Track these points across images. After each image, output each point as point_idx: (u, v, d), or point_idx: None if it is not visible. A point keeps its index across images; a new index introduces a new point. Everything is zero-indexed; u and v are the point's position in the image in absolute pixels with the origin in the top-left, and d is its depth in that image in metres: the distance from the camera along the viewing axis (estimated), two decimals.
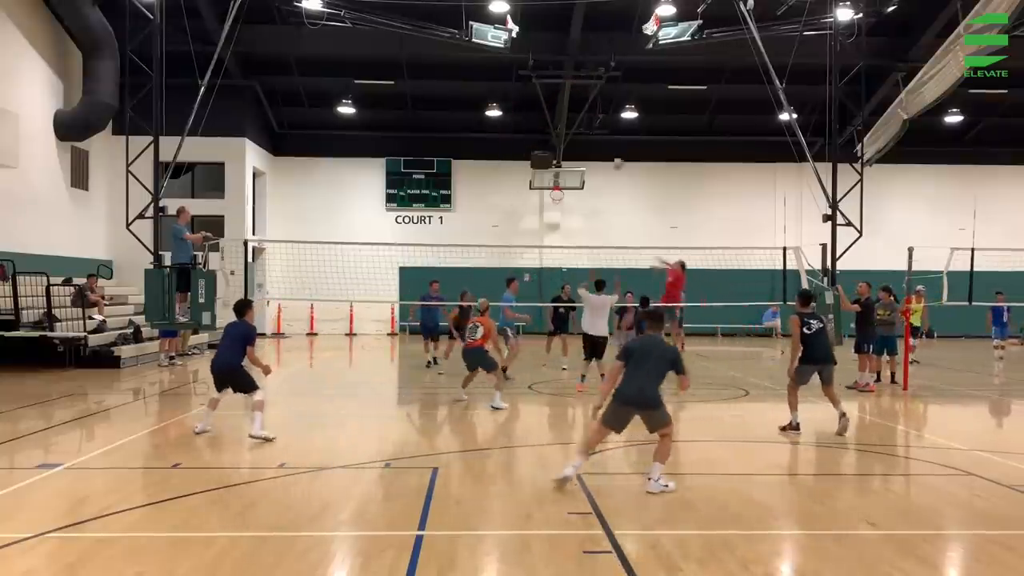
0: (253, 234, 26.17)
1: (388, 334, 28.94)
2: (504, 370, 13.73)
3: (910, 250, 15.30)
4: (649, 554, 5.60)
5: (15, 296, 16.33)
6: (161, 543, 5.79)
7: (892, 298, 15.12)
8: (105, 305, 18.61)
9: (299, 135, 28.98)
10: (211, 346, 20.28)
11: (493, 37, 20.94)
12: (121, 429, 10.36)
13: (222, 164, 25.51)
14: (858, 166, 18.19)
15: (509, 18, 20.84)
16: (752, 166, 29.15)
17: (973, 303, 17.97)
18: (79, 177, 22.40)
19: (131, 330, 18.26)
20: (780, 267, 18.39)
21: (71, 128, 21.31)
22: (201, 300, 15.33)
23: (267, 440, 9.15)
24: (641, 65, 24.85)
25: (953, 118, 27.53)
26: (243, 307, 9.76)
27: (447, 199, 29.42)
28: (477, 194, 29.37)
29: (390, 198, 29.33)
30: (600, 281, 14.17)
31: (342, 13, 20.39)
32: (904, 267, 15.60)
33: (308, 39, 22.56)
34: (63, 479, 7.62)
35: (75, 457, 8.54)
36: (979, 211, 21.66)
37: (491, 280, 16.99)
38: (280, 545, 5.72)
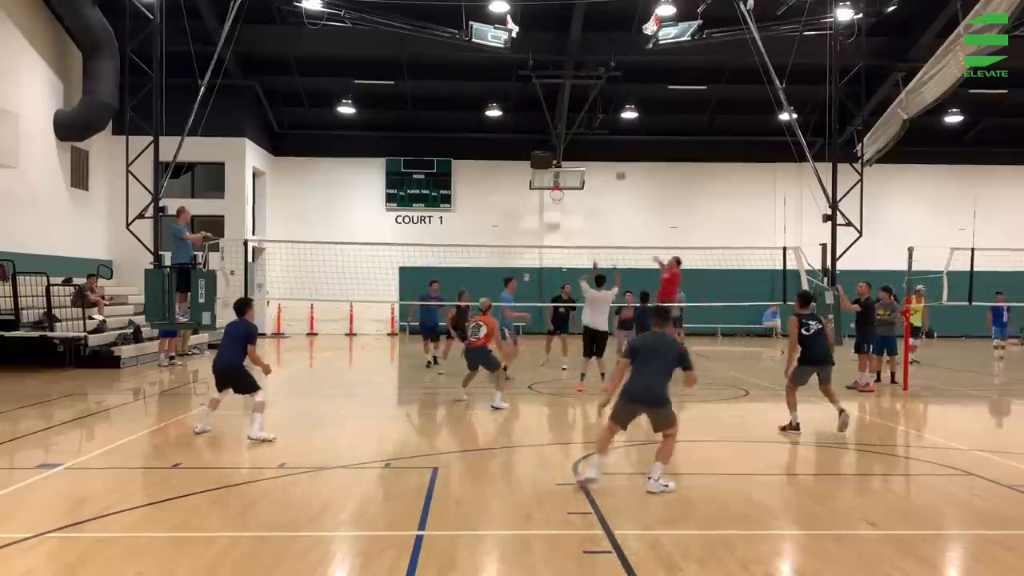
0: (253, 234, 26.18)
1: (388, 334, 28.94)
2: (504, 369, 13.73)
3: (910, 250, 15.30)
4: (649, 554, 5.60)
5: (15, 296, 16.33)
6: (161, 543, 5.79)
7: (892, 298, 15.12)
8: (105, 305, 18.61)
9: (299, 135, 28.98)
10: (211, 346, 20.29)
11: (493, 37, 20.93)
12: (121, 429, 10.36)
13: (222, 164, 25.51)
14: (858, 166, 18.18)
15: (509, 18, 20.84)
16: (752, 166, 29.16)
17: (973, 303, 17.97)
18: (79, 177, 22.40)
19: (131, 330, 18.26)
20: (780, 267, 18.38)
21: (71, 128, 21.31)
22: (201, 300, 15.32)
23: (266, 441, 9.14)
24: (641, 65, 24.85)
25: (953, 118, 27.53)
26: (243, 306, 9.74)
27: (447, 199, 29.43)
28: (477, 194, 29.38)
29: (390, 198, 29.33)
30: (600, 277, 14.42)
31: (342, 13, 20.39)
32: (904, 267, 15.59)
33: (308, 39, 22.56)
34: (63, 479, 7.62)
35: (75, 457, 8.55)
36: (979, 211, 21.67)
37: (491, 280, 16.99)
38: (280, 545, 5.72)
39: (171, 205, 17.04)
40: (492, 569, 5.50)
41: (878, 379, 14.96)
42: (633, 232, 26.62)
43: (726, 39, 20.97)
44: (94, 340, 16.87)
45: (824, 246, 17.54)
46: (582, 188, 28.17)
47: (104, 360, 16.69)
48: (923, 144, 26.87)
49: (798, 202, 26.23)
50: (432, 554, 5.53)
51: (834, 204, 17.51)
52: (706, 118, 28.76)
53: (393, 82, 26.58)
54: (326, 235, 24.65)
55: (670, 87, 26.98)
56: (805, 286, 16.51)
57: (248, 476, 7.91)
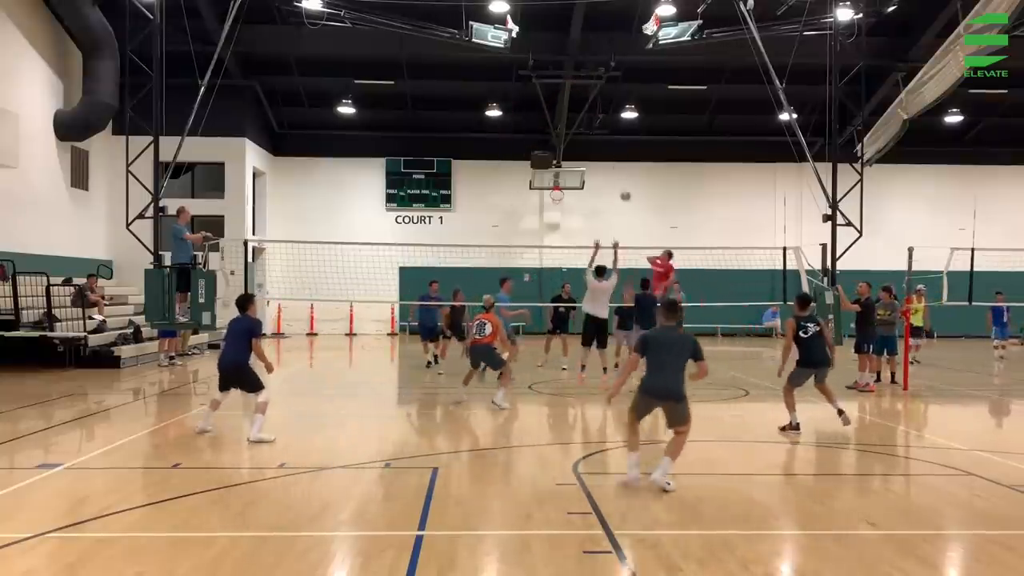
0: (253, 234, 26.16)
1: (388, 334, 28.94)
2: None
3: (910, 250, 15.30)
4: (649, 554, 5.60)
5: (15, 296, 16.33)
6: (161, 543, 5.79)
7: (892, 298, 15.12)
8: (105, 305, 18.61)
9: (299, 135, 28.97)
10: (211, 346, 20.31)
11: (493, 37, 20.93)
12: (121, 429, 10.37)
13: (222, 164, 25.49)
14: (858, 166, 18.18)
15: (509, 18, 20.83)
16: (752, 166, 29.15)
17: (973, 303, 17.99)
18: (79, 177, 22.39)
19: (131, 330, 18.26)
20: (780, 267, 18.39)
21: (71, 128, 21.30)
22: (201, 300, 15.33)
23: (266, 442, 9.14)
24: (641, 65, 24.84)
25: (953, 118, 27.51)
26: (245, 302, 9.71)
27: (447, 199, 29.42)
28: (477, 194, 29.37)
29: (390, 198, 29.32)
30: (601, 267, 14.71)
31: (342, 13, 20.38)
32: (904, 267, 15.59)
33: (308, 39, 22.55)
34: (63, 479, 7.62)
35: (75, 457, 8.55)
36: (979, 211, 21.68)
37: (491, 280, 16.96)
38: (280, 545, 5.72)
39: (171, 205, 17.04)
40: (492, 569, 5.50)
41: (878, 379, 14.96)
42: (633, 232, 26.48)
43: (726, 39, 20.96)
44: (94, 340, 16.87)
45: (824, 246, 17.54)
46: (582, 188, 28.17)
47: (104, 360, 16.69)
48: (923, 144, 26.86)
49: (798, 202, 26.24)
50: (432, 554, 5.53)
51: (834, 204, 17.51)
52: (706, 118, 28.76)
53: (393, 82, 26.57)
54: (326, 235, 24.65)
55: (670, 87, 26.97)
56: (805, 286, 16.52)
57: (248, 476, 7.91)
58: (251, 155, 26.38)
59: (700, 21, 20.82)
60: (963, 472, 8.16)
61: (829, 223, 17.53)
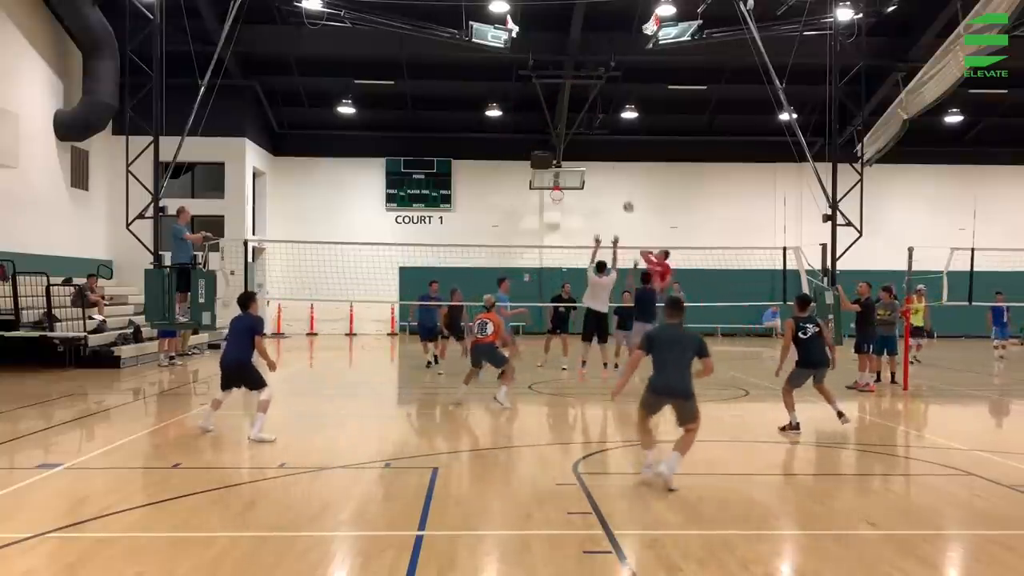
0: (253, 234, 26.16)
1: (388, 334, 28.94)
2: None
3: (910, 250, 15.30)
4: (649, 554, 5.60)
5: (15, 296, 16.33)
6: (161, 543, 5.79)
7: (893, 298, 15.12)
8: (105, 305, 18.60)
9: (299, 135, 28.97)
10: (211, 346, 20.32)
11: (493, 37, 20.92)
12: (121, 429, 10.36)
13: (222, 164, 25.49)
14: (858, 166, 18.18)
15: (509, 18, 20.83)
16: (752, 166, 29.14)
17: (973, 303, 17.99)
18: (79, 177, 22.39)
19: (131, 330, 18.25)
20: (780, 267, 18.39)
21: (71, 128, 21.30)
22: (201, 300, 15.33)
23: (266, 442, 9.14)
24: (641, 65, 24.84)
25: (953, 118, 27.51)
26: (247, 300, 9.70)
27: (447, 199, 29.42)
28: (477, 194, 29.37)
29: (390, 198, 29.32)
30: (601, 263, 15.00)
31: (342, 13, 20.38)
32: (904, 267, 15.59)
33: (308, 39, 22.55)
34: (63, 479, 7.62)
35: (75, 457, 8.54)
36: (979, 211, 21.68)
37: (491, 280, 16.99)
38: (280, 545, 5.72)
39: (171, 205, 17.03)
40: (492, 569, 5.50)
41: (878, 379, 14.96)
42: (633, 232, 26.47)
43: (726, 39, 20.96)
44: (94, 340, 16.86)
45: (824, 246, 17.54)
46: (582, 188, 28.16)
47: (104, 360, 16.68)
48: (923, 144, 26.85)
49: (798, 202, 26.23)
50: (432, 554, 5.53)
51: (834, 204, 17.51)
52: (706, 118, 28.75)
53: (393, 82, 26.57)
54: (326, 235, 24.64)
55: (670, 87, 26.97)
56: (805, 286, 16.53)
57: (248, 476, 7.92)
58: (251, 155, 26.37)
59: (700, 21, 20.82)
60: (963, 472, 8.16)
61: (829, 223, 17.53)
